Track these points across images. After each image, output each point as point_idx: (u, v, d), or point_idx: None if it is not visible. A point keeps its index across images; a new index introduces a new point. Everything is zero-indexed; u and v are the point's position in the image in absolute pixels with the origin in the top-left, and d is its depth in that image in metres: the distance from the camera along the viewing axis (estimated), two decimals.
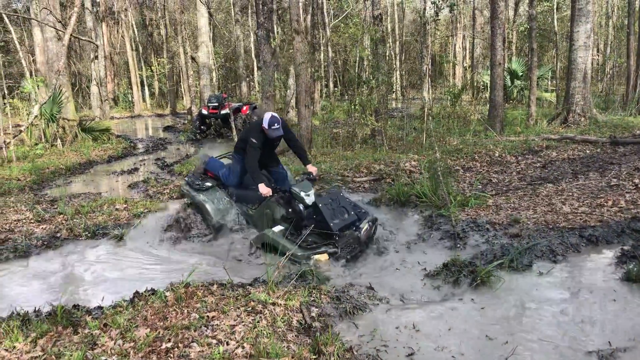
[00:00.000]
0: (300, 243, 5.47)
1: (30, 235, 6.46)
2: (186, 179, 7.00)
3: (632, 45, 17.78)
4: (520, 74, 21.35)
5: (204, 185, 6.69)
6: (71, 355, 3.20)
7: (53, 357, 3.22)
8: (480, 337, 3.73)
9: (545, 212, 6.37)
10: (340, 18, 25.64)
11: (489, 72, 15.61)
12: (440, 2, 13.94)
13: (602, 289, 4.41)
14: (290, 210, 5.90)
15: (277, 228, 5.79)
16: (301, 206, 5.78)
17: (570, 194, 7.11)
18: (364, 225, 5.86)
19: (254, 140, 6.03)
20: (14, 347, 3.35)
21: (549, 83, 22.75)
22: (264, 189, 5.89)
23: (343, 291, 4.49)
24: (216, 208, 6.46)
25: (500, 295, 4.42)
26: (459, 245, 5.72)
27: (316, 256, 5.38)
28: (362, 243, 5.73)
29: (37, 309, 4.14)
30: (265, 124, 6.02)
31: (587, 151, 10.18)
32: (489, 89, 14.92)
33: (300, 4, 12.78)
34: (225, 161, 7.23)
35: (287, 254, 5.10)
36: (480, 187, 8.02)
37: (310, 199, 5.78)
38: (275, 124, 5.99)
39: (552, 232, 5.64)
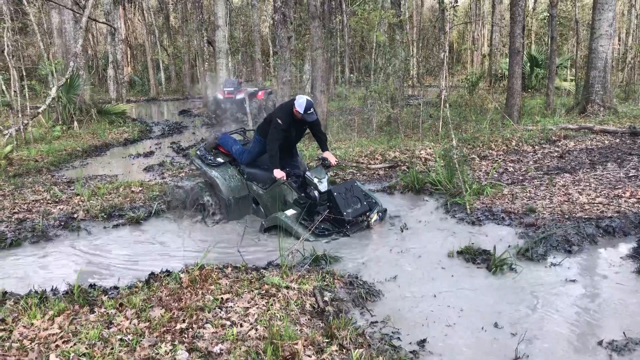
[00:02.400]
0: (313, 229, 5.50)
1: (47, 216, 6.55)
2: (197, 152, 6.93)
3: None
4: (540, 62, 21.03)
5: (215, 161, 6.67)
6: (87, 334, 3.25)
7: (70, 334, 3.27)
8: (493, 324, 3.72)
9: (561, 202, 6.31)
10: (357, 3, 25.42)
11: (507, 60, 15.40)
12: None
13: (618, 281, 4.37)
14: (303, 194, 5.91)
15: (290, 212, 5.81)
16: (315, 192, 5.79)
17: (588, 184, 7.03)
18: (374, 216, 5.94)
19: (279, 121, 5.86)
20: (32, 324, 3.41)
21: (568, 72, 22.41)
22: (278, 173, 5.89)
23: (356, 276, 4.51)
24: (228, 185, 6.43)
25: (514, 284, 4.40)
26: (473, 234, 5.69)
27: None
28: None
29: (54, 288, 4.20)
30: (300, 109, 5.76)
31: (606, 141, 10.05)
32: (507, 77, 14.73)
33: None
34: (237, 137, 7.19)
35: (300, 239, 5.13)
36: (496, 175, 7.96)
37: (323, 185, 5.79)
38: (312, 109, 5.80)
39: (569, 222, 5.59)
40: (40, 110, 12.72)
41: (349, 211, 5.76)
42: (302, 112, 5.77)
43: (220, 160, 6.68)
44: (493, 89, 20.45)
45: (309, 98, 5.91)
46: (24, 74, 15.34)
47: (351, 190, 6.01)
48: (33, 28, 22.09)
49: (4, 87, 12.94)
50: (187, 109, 22.51)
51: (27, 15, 23.64)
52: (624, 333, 3.54)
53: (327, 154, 6.31)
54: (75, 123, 14.18)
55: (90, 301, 3.78)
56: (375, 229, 5.90)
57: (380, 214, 6.13)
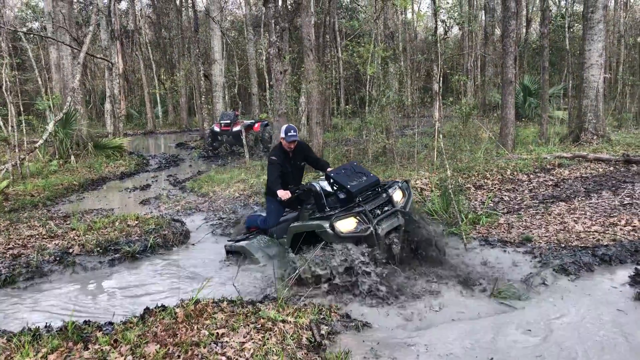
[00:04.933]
0: (325, 216, 5.40)
1: (42, 251, 6.51)
2: (228, 241, 7.01)
3: None
4: (533, 91, 21.29)
5: (242, 237, 6.76)
6: None
7: None
8: (489, 358, 3.69)
9: (557, 231, 6.32)
10: (351, 37, 25.83)
11: (500, 90, 15.58)
12: (450, 20, 13.99)
13: (616, 309, 4.35)
14: (310, 199, 5.92)
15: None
16: (317, 186, 5.82)
17: (583, 212, 7.05)
18: (396, 190, 5.88)
19: (273, 157, 6.16)
20: None
21: (561, 101, 22.67)
22: (282, 193, 5.86)
23: (351, 310, 4.48)
24: (256, 246, 6.44)
25: (512, 314, 4.37)
26: (469, 263, 5.67)
27: (341, 227, 5.25)
28: (401, 208, 5.68)
29: (48, 325, 4.16)
30: (282, 134, 6.13)
31: (600, 169, 10.11)
32: (500, 107, 14.89)
33: (312, 23, 12.89)
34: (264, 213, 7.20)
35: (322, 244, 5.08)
36: (491, 205, 7.98)
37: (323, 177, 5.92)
38: (292, 131, 6.11)
39: (565, 250, 5.59)
40: (37, 145, 12.76)
41: (353, 184, 5.69)
42: (284, 135, 6.12)
43: (246, 236, 6.78)
44: (487, 118, 20.63)
45: (290, 124, 6.35)
46: (22, 109, 15.42)
47: (351, 168, 6.04)
48: (31, 64, 22.37)
49: (1, 123, 12.99)
50: (184, 141, 22.63)
51: (26, 52, 23.94)
52: None
53: (330, 170, 6.32)
54: (72, 157, 14.22)
55: (85, 337, 3.74)
56: (401, 207, 5.76)
57: (403, 189, 6.04)
